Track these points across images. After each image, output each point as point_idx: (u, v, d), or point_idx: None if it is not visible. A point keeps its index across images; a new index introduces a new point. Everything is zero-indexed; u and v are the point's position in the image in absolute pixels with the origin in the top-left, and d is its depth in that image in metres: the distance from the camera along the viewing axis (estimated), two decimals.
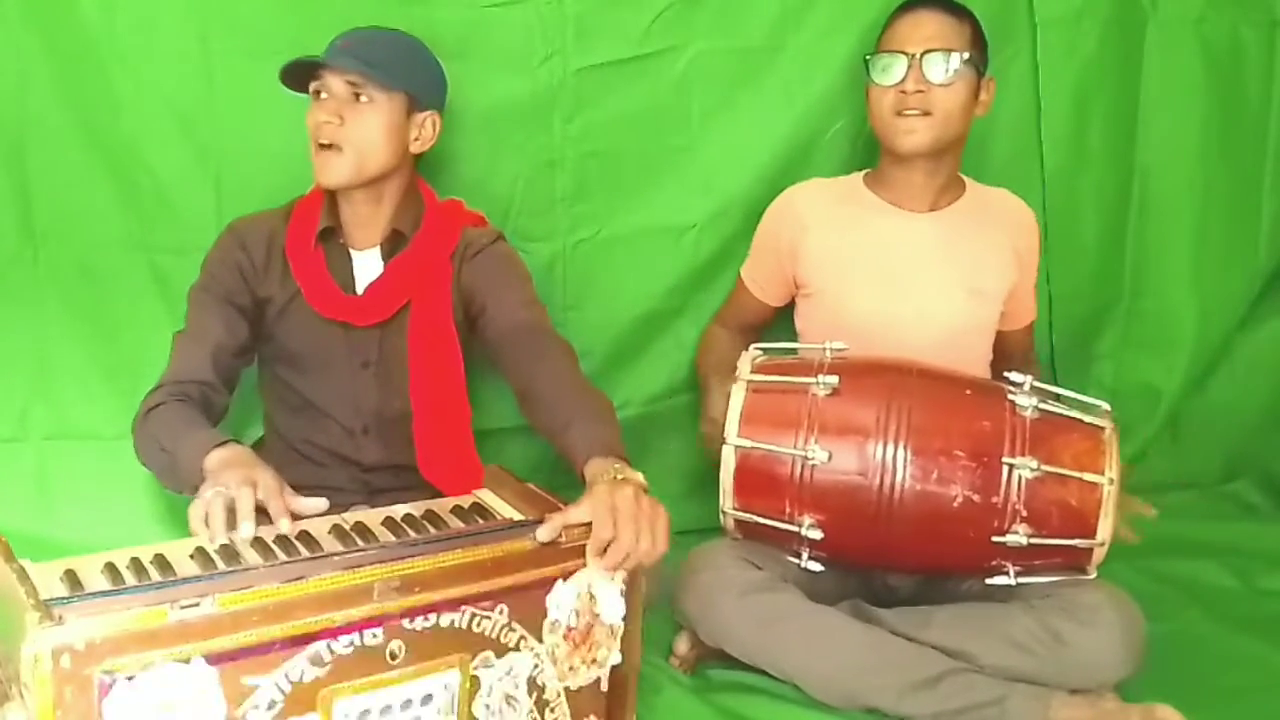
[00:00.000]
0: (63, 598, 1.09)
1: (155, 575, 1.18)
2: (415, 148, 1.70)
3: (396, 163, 1.67)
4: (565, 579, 1.29)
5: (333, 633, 1.13)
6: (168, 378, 1.57)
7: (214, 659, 1.07)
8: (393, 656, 1.18)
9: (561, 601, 1.29)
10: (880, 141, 1.85)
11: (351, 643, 1.15)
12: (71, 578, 1.16)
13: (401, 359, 1.69)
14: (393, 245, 1.70)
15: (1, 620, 1.12)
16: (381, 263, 1.70)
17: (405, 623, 1.18)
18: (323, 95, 1.63)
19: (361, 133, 1.62)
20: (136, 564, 1.20)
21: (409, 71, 1.67)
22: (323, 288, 1.68)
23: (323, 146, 1.62)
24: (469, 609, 1.22)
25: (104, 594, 1.11)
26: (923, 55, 1.76)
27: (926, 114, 1.77)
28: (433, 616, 1.19)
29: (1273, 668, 1.71)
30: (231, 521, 1.25)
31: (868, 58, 1.83)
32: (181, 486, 1.41)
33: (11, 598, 1.07)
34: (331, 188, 1.65)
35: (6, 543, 1.18)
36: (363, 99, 1.62)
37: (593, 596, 1.31)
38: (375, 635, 1.16)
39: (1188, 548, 2.10)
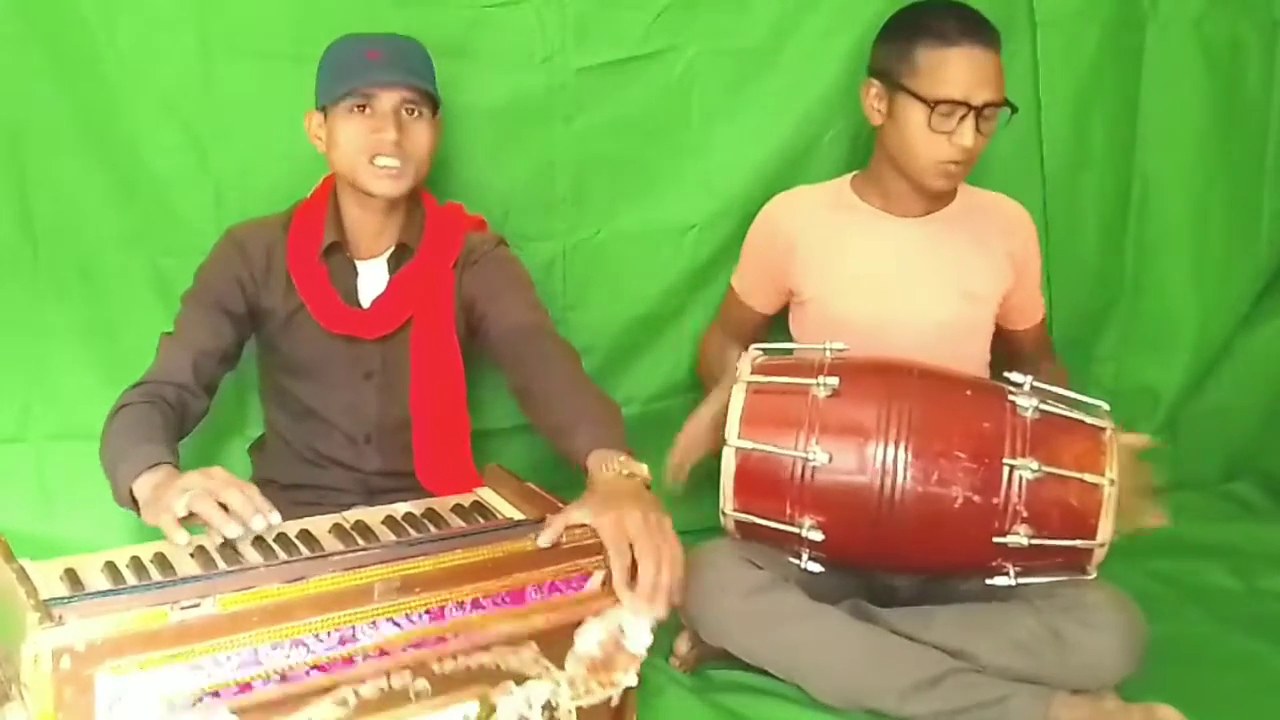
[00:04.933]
0: (63, 597, 1.10)
1: (156, 574, 1.18)
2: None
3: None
4: (598, 616, 1.29)
5: (360, 679, 1.14)
6: (147, 377, 1.57)
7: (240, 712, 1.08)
8: (417, 695, 1.18)
9: (590, 637, 1.29)
10: (901, 167, 1.79)
11: (380, 688, 1.15)
12: (72, 577, 1.16)
13: (404, 370, 1.69)
14: (398, 257, 1.70)
15: (1, 620, 1.12)
16: (387, 274, 1.70)
17: (435, 666, 1.18)
18: (366, 110, 1.62)
19: (418, 147, 1.64)
20: (137, 563, 1.21)
21: (435, 80, 1.69)
22: (328, 303, 1.68)
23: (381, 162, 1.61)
24: (499, 649, 1.22)
25: (104, 594, 1.12)
26: (983, 110, 1.70)
27: (967, 164, 1.75)
28: (463, 659, 1.20)
29: (1273, 668, 1.71)
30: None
31: (932, 104, 1.69)
32: (117, 498, 1.40)
33: (11, 598, 1.07)
34: (390, 199, 1.65)
35: (6, 543, 1.18)
36: (415, 114, 1.63)
37: (622, 630, 1.31)
38: (403, 678, 1.16)
39: (1188, 548, 2.09)
